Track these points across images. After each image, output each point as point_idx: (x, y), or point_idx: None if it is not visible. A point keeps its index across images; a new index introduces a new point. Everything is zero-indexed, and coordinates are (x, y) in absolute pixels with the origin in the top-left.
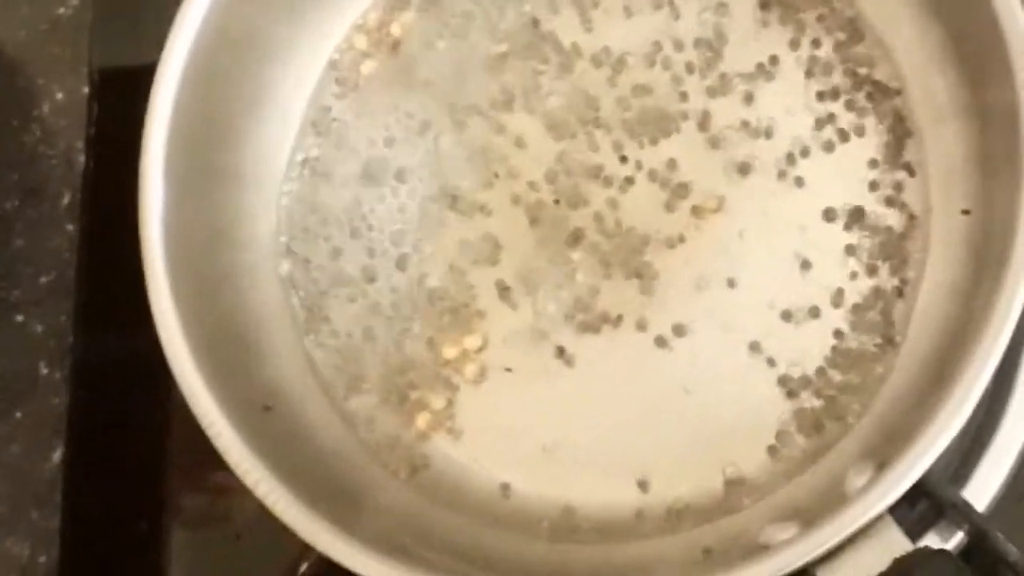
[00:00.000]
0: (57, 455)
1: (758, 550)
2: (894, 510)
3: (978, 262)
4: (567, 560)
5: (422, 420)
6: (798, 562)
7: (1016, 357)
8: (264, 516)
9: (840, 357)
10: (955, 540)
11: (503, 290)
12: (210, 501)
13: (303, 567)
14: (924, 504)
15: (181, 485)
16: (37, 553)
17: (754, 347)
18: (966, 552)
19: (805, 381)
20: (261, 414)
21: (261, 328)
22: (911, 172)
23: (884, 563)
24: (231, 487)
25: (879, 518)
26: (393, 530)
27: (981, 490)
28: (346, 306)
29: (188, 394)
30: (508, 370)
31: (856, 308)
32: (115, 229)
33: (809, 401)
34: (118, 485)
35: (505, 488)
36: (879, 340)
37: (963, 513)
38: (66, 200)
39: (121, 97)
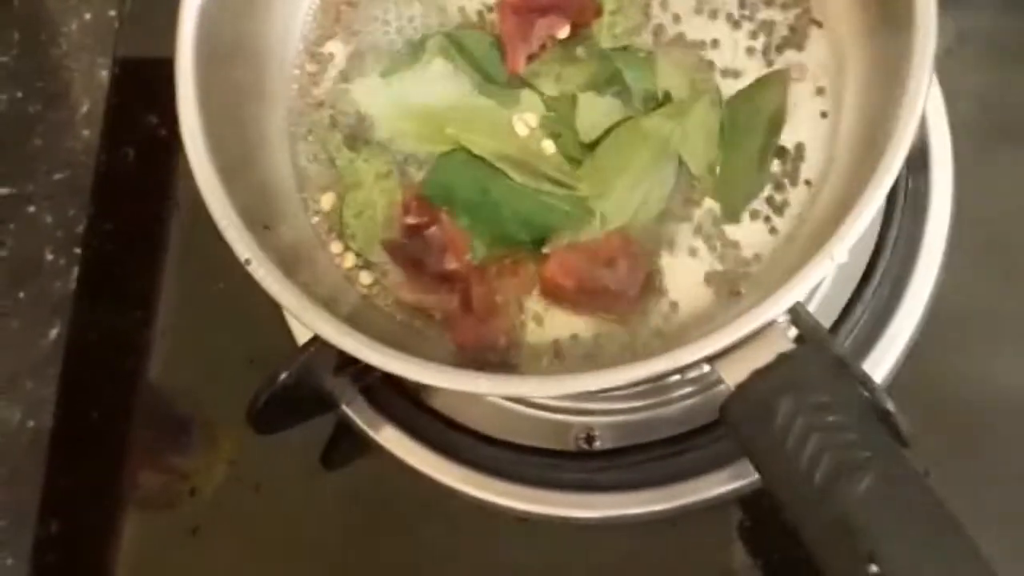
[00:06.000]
0: (54, 333)
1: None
2: None
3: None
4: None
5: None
6: (696, 357)
7: (918, 232)
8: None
9: None
10: None
11: None
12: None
13: (283, 375)
14: None
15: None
16: (27, 418)
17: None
18: None
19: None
20: (261, 231)
21: (284, 195)
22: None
23: (770, 357)
24: None
25: (772, 326)
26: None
27: (880, 361)
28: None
29: (208, 199)
30: None
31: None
32: (128, 140)
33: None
34: (112, 361)
35: None
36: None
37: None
38: (85, 108)
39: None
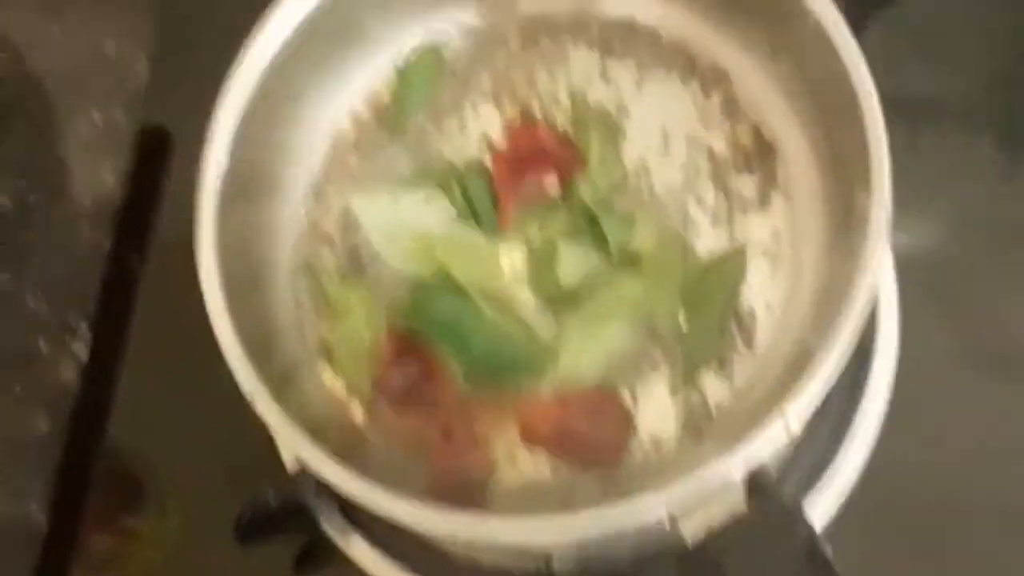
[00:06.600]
0: (43, 423)
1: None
2: None
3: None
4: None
5: None
6: (659, 514)
7: (863, 376)
8: None
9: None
10: None
11: None
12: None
13: (269, 496)
14: None
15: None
16: (15, 507)
17: None
18: None
19: None
20: (262, 357)
21: (282, 321)
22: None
23: (724, 517)
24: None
25: (729, 484)
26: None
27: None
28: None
29: (232, 364)
30: None
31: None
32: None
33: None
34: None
35: None
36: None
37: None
38: (87, 206)
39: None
